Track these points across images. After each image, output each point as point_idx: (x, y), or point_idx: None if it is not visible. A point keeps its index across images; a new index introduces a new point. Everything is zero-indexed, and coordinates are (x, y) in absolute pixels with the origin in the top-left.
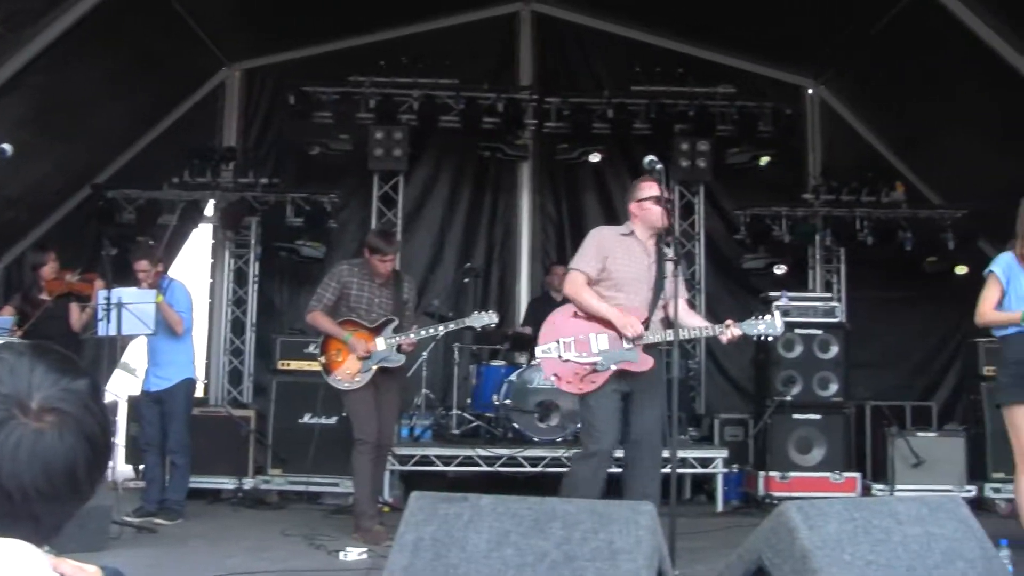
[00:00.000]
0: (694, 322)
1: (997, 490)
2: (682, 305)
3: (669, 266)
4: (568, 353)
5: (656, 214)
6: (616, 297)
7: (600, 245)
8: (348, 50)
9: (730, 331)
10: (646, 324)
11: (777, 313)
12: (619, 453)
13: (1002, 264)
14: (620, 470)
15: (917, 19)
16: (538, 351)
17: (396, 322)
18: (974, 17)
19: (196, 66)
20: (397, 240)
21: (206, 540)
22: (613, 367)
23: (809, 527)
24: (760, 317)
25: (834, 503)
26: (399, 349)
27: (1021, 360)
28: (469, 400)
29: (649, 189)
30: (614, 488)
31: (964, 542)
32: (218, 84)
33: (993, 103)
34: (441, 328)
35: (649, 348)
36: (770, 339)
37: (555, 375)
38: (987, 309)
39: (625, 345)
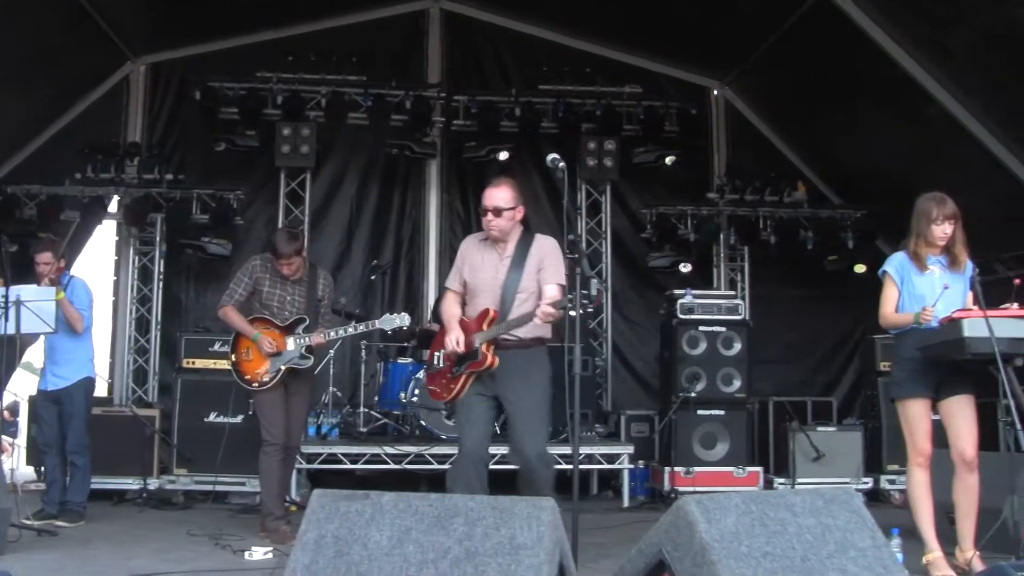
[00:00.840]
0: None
1: (892, 481)
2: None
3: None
4: (441, 365)
5: (485, 225)
6: (473, 303)
7: (460, 258)
8: (255, 45)
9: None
10: (494, 320)
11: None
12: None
13: (895, 264)
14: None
15: (819, 23)
16: (426, 372)
17: (307, 322)
18: (871, 23)
19: (100, 60)
20: (299, 242)
21: (109, 542)
22: (465, 371)
23: (708, 520)
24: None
25: (732, 496)
26: (309, 349)
27: (914, 356)
28: (376, 398)
29: (483, 200)
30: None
31: (856, 532)
32: (122, 78)
33: (891, 106)
34: (351, 329)
35: (507, 346)
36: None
37: (430, 389)
38: (889, 311)
39: (475, 345)
